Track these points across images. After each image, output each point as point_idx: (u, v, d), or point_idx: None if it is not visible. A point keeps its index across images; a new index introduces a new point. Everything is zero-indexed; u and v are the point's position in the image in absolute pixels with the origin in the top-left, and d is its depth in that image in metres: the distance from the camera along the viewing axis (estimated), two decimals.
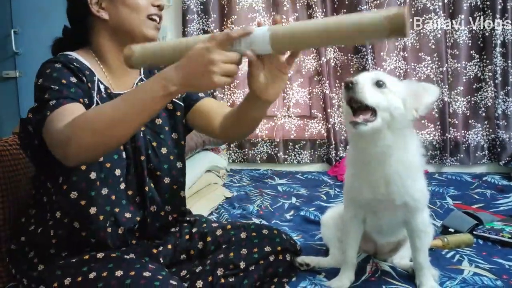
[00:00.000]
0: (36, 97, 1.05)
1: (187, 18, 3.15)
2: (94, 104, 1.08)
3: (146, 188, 1.18)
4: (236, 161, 3.28)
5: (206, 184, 2.38)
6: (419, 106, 1.12)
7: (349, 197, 1.29)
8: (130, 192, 1.16)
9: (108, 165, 1.10)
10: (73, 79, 1.06)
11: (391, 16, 0.77)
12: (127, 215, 1.14)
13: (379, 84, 1.08)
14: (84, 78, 1.09)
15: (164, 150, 1.22)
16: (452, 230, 1.69)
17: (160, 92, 0.89)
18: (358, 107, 1.08)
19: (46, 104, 1.00)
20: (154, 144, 1.21)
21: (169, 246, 1.24)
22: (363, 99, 1.05)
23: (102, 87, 1.13)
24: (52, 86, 1.02)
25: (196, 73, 0.87)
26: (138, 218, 1.17)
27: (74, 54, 1.14)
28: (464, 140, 2.90)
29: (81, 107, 1.02)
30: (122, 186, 1.14)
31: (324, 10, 3.00)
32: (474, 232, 1.66)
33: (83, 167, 1.07)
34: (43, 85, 1.03)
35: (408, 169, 1.15)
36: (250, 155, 3.24)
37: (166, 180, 1.23)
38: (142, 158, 1.17)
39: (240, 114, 1.12)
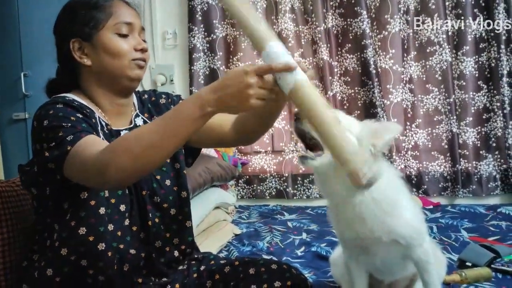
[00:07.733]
0: (46, 138, 1.00)
1: (193, 56, 3.19)
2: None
3: (150, 223, 1.16)
4: (244, 197, 3.24)
5: (215, 221, 2.34)
6: (377, 142, 1.04)
7: (338, 236, 1.24)
8: (134, 228, 1.15)
9: (113, 200, 1.08)
10: (80, 115, 1.05)
11: None
12: (132, 251, 1.12)
13: None
14: (88, 114, 1.08)
15: (168, 182, 1.22)
16: (469, 264, 1.64)
17: (196, 113, 0.89)
18: (312, 144, 1.05)
19: (63, 140, 0.97)
20: (158, 177, 1.20)
21: (177, 286, 1.20)
22: (308, 129, 1.02)
23: (103, 123, 1.13)
24: (63, 124, 1.00)
25: (233, 96, 0.87)
26: (143, 255, 1.15)
27: (70, 95, 1.13)
28: (476, 171, 2.85)
29: (99, 138, 1.01)
30: (127, 222, 1.13)
31: (328, 45, 3.03)
32: (492, 266, 1.61)
33: (92, 203, 1.05)
34: (52, 125, 1.00)
35: (382, 205, 1.07)
36: (259, 190, 3.20)
37: (172, 211, 1.22)
38: (144, 193, 1.16)
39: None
